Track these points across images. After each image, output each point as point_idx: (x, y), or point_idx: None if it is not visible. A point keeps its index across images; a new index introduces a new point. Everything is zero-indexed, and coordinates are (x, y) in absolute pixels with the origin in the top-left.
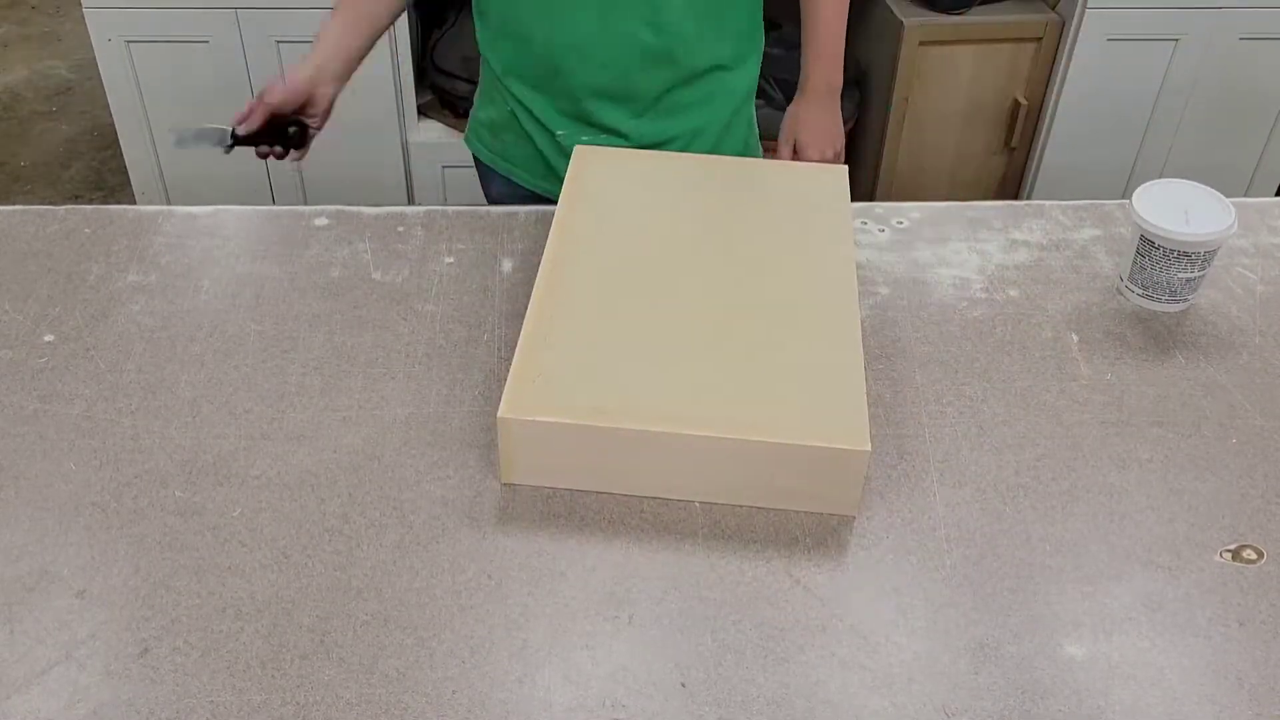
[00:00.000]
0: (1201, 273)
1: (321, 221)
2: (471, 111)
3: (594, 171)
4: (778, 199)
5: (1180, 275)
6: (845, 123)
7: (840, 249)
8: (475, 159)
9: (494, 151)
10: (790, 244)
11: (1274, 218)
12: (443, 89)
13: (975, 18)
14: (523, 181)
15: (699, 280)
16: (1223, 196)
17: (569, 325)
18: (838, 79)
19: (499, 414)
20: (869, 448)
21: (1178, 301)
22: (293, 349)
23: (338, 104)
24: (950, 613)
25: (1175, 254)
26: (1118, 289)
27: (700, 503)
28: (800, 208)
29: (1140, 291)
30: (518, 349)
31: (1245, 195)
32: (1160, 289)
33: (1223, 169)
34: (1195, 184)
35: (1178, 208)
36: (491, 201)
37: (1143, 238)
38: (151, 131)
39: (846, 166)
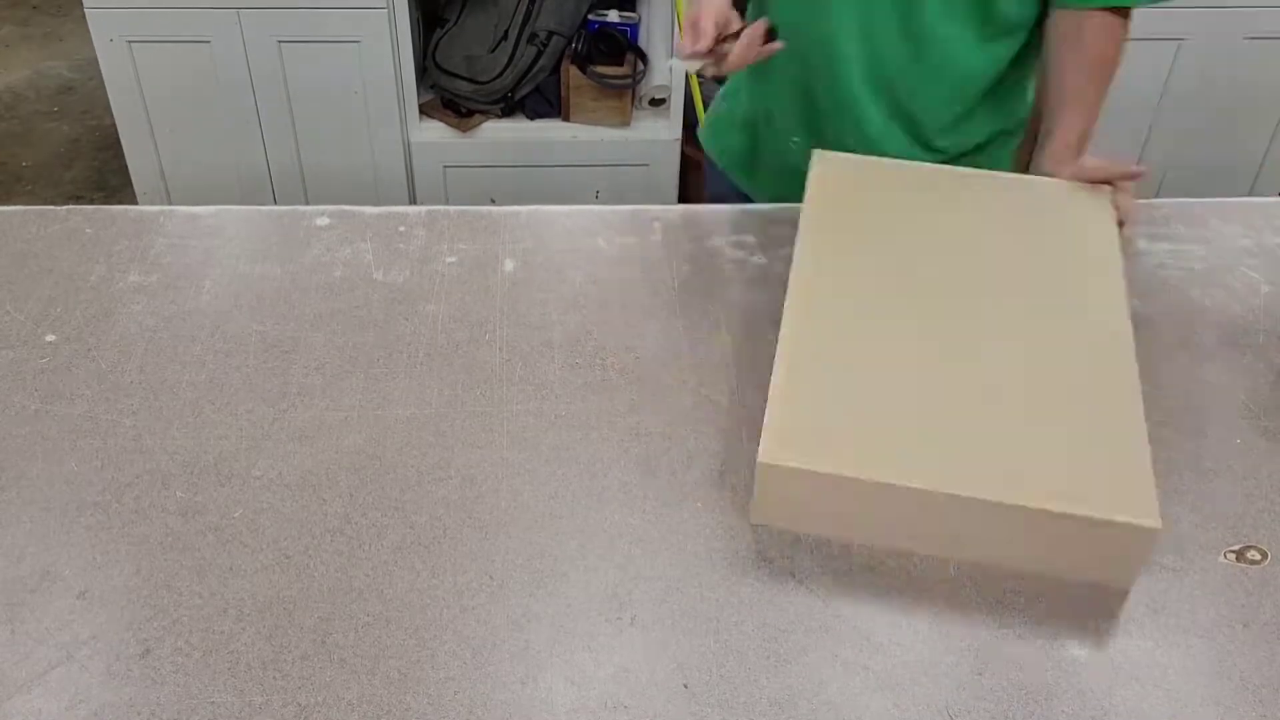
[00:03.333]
0: None
1: (323, 221)
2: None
3: (838, 184)
4: (1036, 222)
5: None
6: None
7: (1110, 285)
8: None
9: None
10: (1057, 278)
11: (1278, 218)
12: (444, 88)
13: None
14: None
15: (960, 316)
16: None
17: (825, 364)
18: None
19: (760, 459)
20: (1159, 524)
21: None
22: (294, 349)
23: (339, 101)
24: (953, 613)
25: None
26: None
27: (955, 562)
28: (1062, 234)
29: None
30: (774, 389)
31: (1249, 195)
32: None
33: (1227, 169)
34: None
35: None
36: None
37: None
38: (153, 131)
39: (1109, 189)
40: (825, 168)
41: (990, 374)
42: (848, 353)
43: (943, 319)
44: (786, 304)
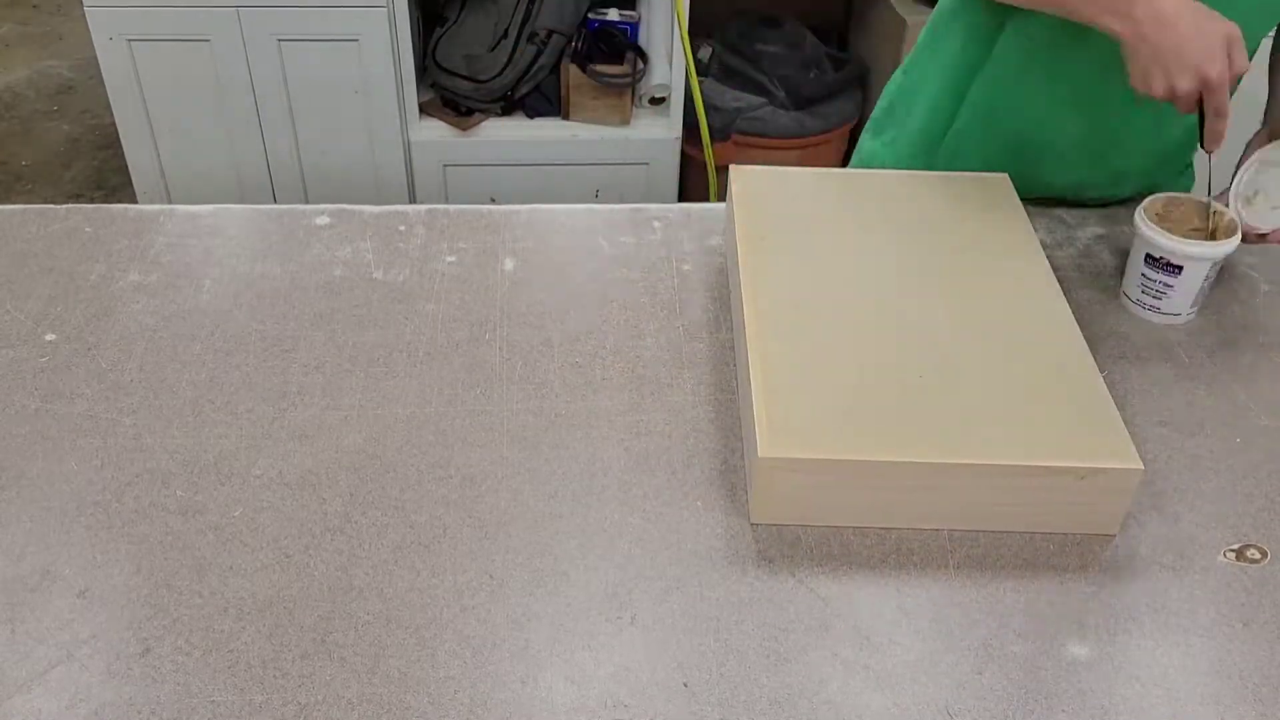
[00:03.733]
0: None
1: (323, 220)
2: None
3: (759, 195)
4: (951, 209)
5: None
6: (845, 123)
7: (1031, 255)
8: None
9: None
10: (983, 254)
11: None
12: (444, 87)
13: None
14: None
15: (906, 300)
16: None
17: (795, 360)
18: None
19: (759, 454)
20: (1141, 466)
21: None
22: (294, 348)
23: (338, 100)
24: (953, 612)
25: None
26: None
27: (948, 530)
28: (977, 217)
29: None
30: (755, 389)
31: None
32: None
33: (1226, 167)
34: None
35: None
36: None
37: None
38: (153, 130)
39: (1007, 175)
40: (744, 180)
41: (948, 349)
42: (812, 346)
43: (891, 304)
44: (743, 308)
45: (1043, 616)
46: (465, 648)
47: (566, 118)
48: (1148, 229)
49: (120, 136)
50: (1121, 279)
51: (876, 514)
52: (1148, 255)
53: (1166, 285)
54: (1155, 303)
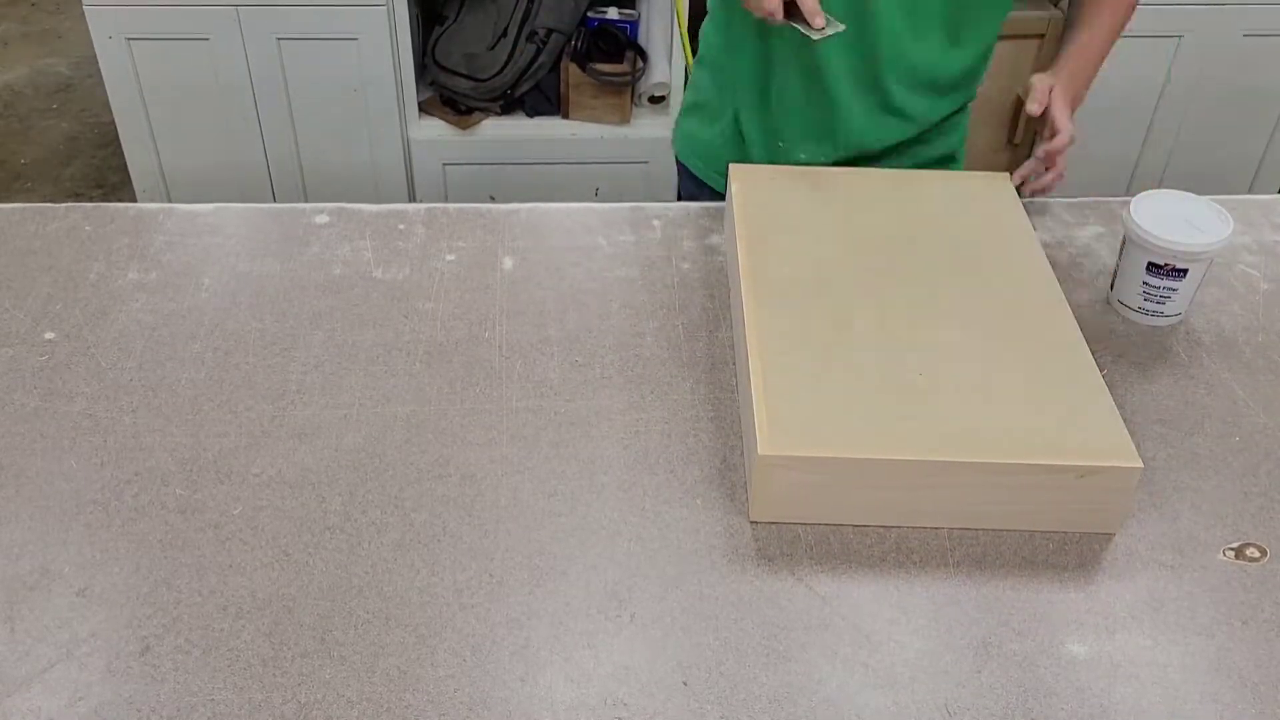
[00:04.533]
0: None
1: (322, 219)
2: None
3: (758, 194)
4: (950, 207)
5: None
6: None
7: (1031, 254)
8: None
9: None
10: (982, 253)
11: (1277, 215)
12: (444, 86)
13: None
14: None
15: (906, 298)
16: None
17: (795, 358)
18: (1083, 96)
19: (759, 452)
20: (1140, 464)
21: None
22: (293, 347)
23: (338, 98)
24: (952, 611)
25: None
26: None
27: (948, 529)
28: (976, 215)
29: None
30: (755, 387)
31: (1248, 192)
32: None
33: (1226, 166)
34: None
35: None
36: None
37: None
38: (152, 129)
39: (1009, 174)
40: (744, 178)
41: (948, 348)
42: (812, 345)
43: (891, 303)
44: (743, 307)
45: (1042, 615)
46: (465, 646)
47: (566, 116)
48: (1150, 235)
49: (119, 135)
50: (1111, 287)
51: (876, 512)
52: (1150, 264)
53: (1171, 290)
54: (1159, 308)
